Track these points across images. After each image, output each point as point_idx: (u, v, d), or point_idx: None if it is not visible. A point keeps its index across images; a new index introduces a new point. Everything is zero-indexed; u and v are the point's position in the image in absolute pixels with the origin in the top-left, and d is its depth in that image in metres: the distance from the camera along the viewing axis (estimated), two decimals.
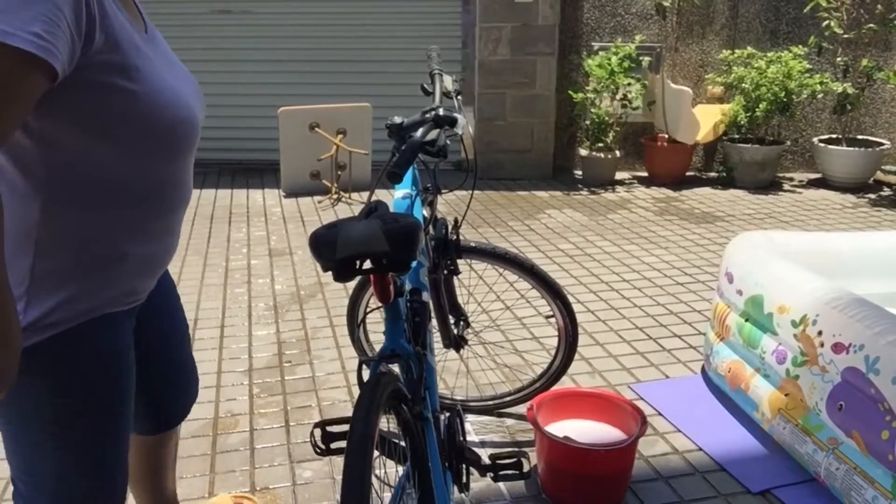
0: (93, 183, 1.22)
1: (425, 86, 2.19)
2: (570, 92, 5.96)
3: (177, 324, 1.66)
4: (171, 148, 1.30)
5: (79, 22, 1.10)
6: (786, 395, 2.41)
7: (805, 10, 5.94)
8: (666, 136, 6.04)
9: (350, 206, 5.30)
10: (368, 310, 2.50)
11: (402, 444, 1.61)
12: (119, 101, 1.19)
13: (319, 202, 5.42)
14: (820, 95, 5.87)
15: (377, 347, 1.86)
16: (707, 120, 5.94)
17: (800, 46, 5.92)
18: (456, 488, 1.88)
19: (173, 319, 1.65)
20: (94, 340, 1.31)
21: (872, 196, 5.79)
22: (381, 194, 1.74)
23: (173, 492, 1.89)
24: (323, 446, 1.62)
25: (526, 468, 1.92)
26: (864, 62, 5.96)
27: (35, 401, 1.29)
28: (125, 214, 1.28)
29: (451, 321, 2.39)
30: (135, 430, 1.63)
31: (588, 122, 6.03)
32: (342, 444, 1.41)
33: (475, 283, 3.67)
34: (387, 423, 1.55)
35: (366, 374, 1.51)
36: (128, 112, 1.21)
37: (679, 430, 2.61)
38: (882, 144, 6.02)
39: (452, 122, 1.88)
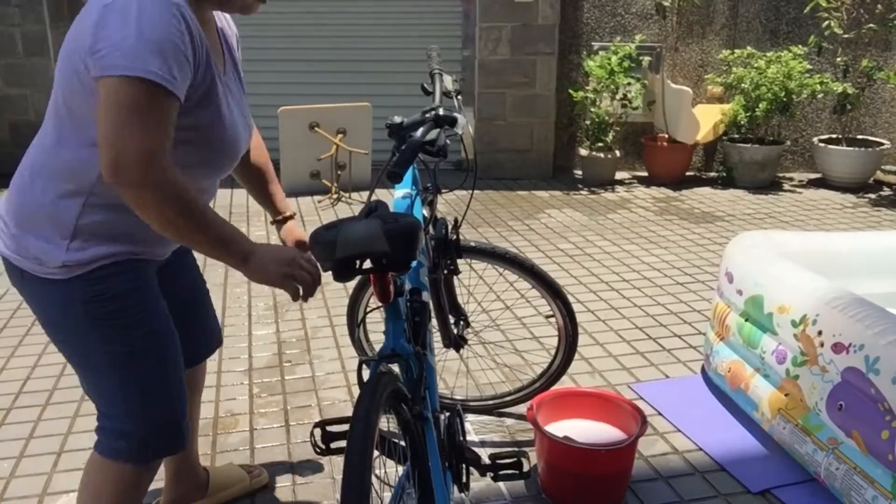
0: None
1: (425, 85, 2.19)
2: (570, 91, 5.96)
3: (197, 276, 1.97)
4: (216, 167, 1.63)
5: (196, 60, 1.45)
6: (786, 394, 2.41)
7: (805, 10, 5.94)
8: (666, 135, 6.04)
9: (350, 206, 5.30)
10: (368, 310, 2.50)
11: (402, 443, 1.61)
12: (190, 124, 1.48)
13: (319, 202, 5.42)
14: (820, 95, 5.87)
15: (377, 347, 1.86)
16: (707, 120, 5.94)
17: (800, 46, 5.92)
18: (456, 488, 1.88)
19: (195, 274, 1.96)
20: (123, 274, 1.56)
21: (872, 196, 5.79)
22: (381, 194, 1.75)
23: (196, 447, 2.17)
24: (323, 446, 1.62)
25: (526, 468, 1.92)
26: (864, 62, 5.96)
27: (85, 334, 1.57)
28: None
29: (451, 321, 2.39)
30: None
31: (588, 122, 6.04)
32: (342, 443, 1.41)
33: (475, 283, 3.67)
34: (387, 423, 1.56)
35: (366, 374, 1.51)
36: (195, 133, 1.51)
37: (679, 430, 2.61)
38: (882, 144, 6.02)
39: (452, 122, 1.88)
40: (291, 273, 1.52)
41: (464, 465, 1.86)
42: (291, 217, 1.96)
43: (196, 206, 1.42)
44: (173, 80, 1.36)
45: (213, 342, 2.03)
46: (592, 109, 5.88)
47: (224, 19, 1.73)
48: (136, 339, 1.58)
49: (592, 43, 6.14)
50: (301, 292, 1.56)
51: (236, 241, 1.49)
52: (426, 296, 1.84)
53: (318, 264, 1.53)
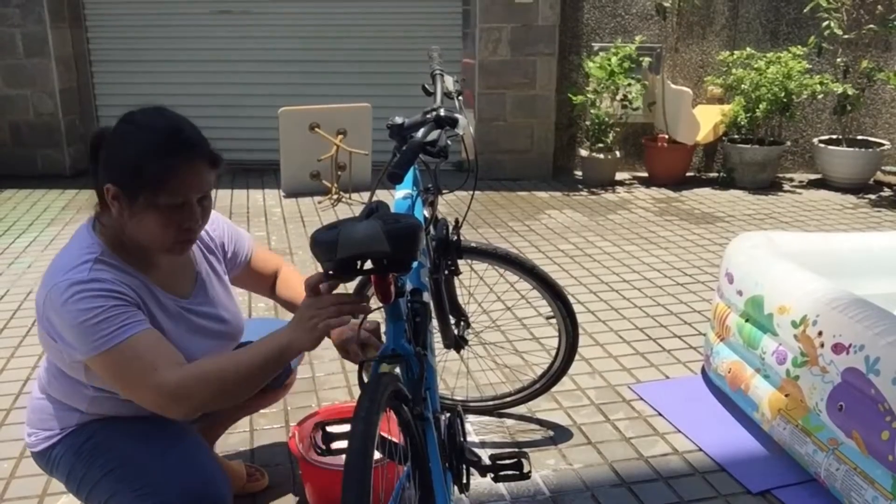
0: (118, 416, 1.71)
1: (426, 86, 2.19)
2: (570, 94, 5.96)
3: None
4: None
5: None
6: (786, 395, 2.41)
7: (805, 11, 5.94)
8: (666, 136, 6.04)
9: (350, 207, 5.30)
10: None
11: (403, 444, 1.61)
12: None
13: (319, 202, 5.42)
14: (820, 96, 5.87)
15: None
16: (707, 120, 5.94)
17: (800, 47, 5.92)
18: (456, 488, 1.88)
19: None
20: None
21: (872, 196, 5.79)
22: (381, 195, 1.74)
23: (216, 438, 2.27)
24: (323, 446, 1.62)
25: (526, 468, 1.92)
26: (864, 63, 5.97)
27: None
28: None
29: (452, 321, 2.39)
30: None
31: (588, 123, 6.04)
32: (342, 444, 1.41)
33: (476, 284, 3.67)
34: (387, 424, 1.55)
35: (366, 375, 1.51)
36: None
37: (679, 431, 2.61)
38: (882, 145, 6.02)
39: (453, 123, 1.88)
40: (313, 317, 1.54)
41: (464, 466, 1.86)
42: None
43: (221, 371, 1.54)
44: (117, 329, 1.52)
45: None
46: (592, 110, 5.88)
47: (209, 236, 1.87)
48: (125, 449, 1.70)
49: (592, 44, 6.14)
50: (352, 343, 1.72)
51: (275, 345, 1.57)
52: (427, 296, 1.84)
53: (320, 265, 1.53)
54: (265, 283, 2.05)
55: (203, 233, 1.80)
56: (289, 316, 1.74)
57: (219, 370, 1.54)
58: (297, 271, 2.08)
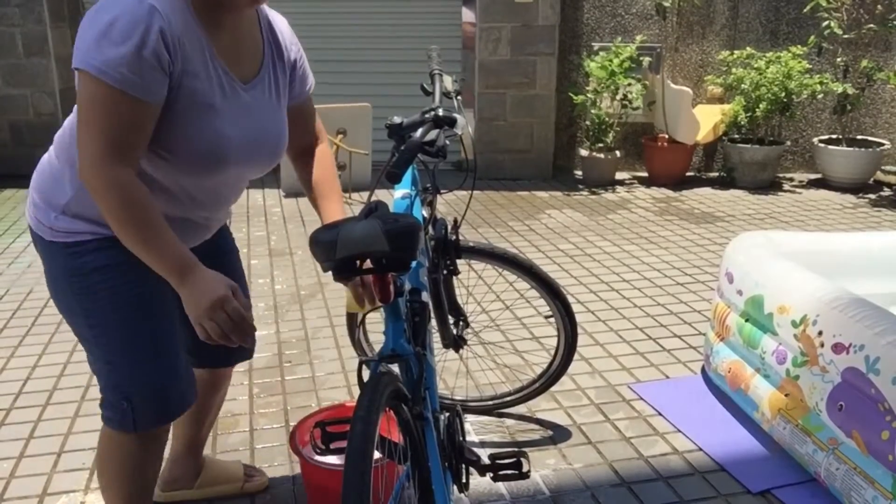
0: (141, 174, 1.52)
1: (425, 86, 2.19)
2: (570, 94, 5.96)
3: (234, 267, 1.96)
4: (203, 174, 1.60)
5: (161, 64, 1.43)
6: (786, 395, 2.41)
7: (805, 11, 5.94)
8: (666, 136, 6.04)
9: (350, 207, 5.30)
10: (368, 309, 2.49)
11: (402, 443, 1.61)
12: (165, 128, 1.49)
13: None
14: (820, 96, 5.87)
15: (377, 347, 1.86)
16: (707, 120, 5.94)
17: (800, 47, 5.92)
18: (456, 488, 1.88)
19: (228, 262, 1.93)
20: (105, 249, 1.59)
21: (872, 196, 5.79)
22: (380, 194, 1.75)
23: (205, 438, 2.21)
24: (323, 446, 1.62)
25: (525, 468, 1.92)
26: (864, 63, 5.96)
27: (72, 302, 1.65)
28: (160, 200, 1.58)
29: (451, 321, 2.39)
30: (194, 365, 1.87)
31: (588, 123, 6.04)
32: (342, 443, 1.41)
33: (474, 283, 3.67)
34: (387, 424, 1.55)
35: (366, 374, 1.51)
36: (182, 138, 1.52)
37: (679, 430, 2.61)
38: (882, 145, 6.02)
39: (452, 123, 1.88)
40: (211, 316, 1.43)
41: (463, 466, 1.86)
42: None
43: (139, 207, 1.43)
44: (126, 77, 1.38)
45: (243, 350, 1.96)
46: (593, 110, 5.88)
47: (278, 27, 1.77)
48: (116, 312, 1.62)
49: (593, 43, 6.14)
50: (222, 334, 1.46)
51: (178, 255, 1.45)
52: (426, 296, 1.84)
53: (319, 264, 1.52)
54: (297, 141, 1.85)
55: (281, 39, 1.76)
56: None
57: (137, 210, 1.44)
58: (333, 168, 1.92)
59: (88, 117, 1.42)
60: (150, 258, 1.46)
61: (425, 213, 2.13)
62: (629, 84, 5.75)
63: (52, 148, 1.67)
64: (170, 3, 1.44)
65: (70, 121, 1.59)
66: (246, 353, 2.04)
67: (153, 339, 1.67)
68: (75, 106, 1.51)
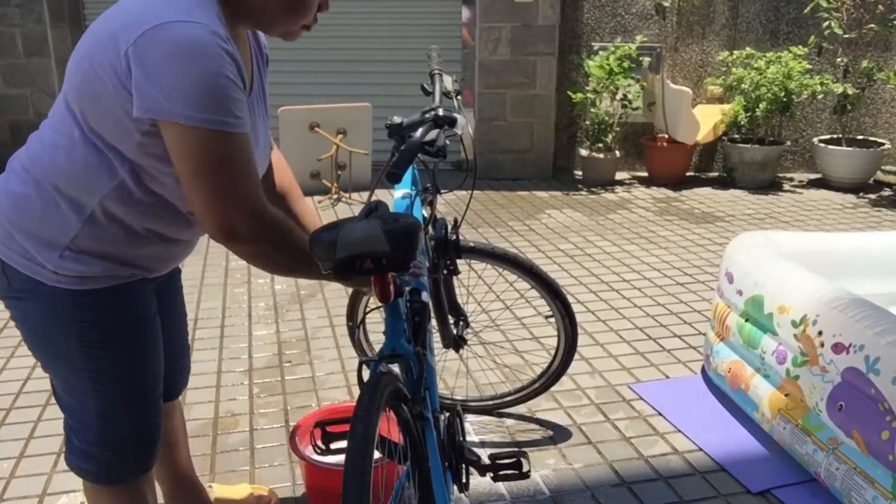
0: (150, 194, 1.45)
1: (425, 86, 2.19)
2: (570, 92, 5.96)
3: (181, 303, 1.88)
4: None
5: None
6: (786, 395, 2.41)
7: (805, 11, 5.94)
8: (666, 136, 6.04)
9: (350, 206, 5.30)
10: (368, 310, 2.50)
11: (402, 443, 1.61)
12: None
13: (319, 202, 5.41)
14: (820, 96, 5.87)
15: (377, 347, 1.86)
16: (707, 120, 5.94)
17: (800, 47, 5.92)
18: (456, 488, 1.88)
19: (177, 300, 1.85)
20: (119, 300, 1.51)
21: (872, 196, 5.79)
22: (380, 194, 1.73)
23: (189, 466, 2.07)
24: (323, 446, 1.62)
25: (525, 468, 1.92)
26: (865, 63, 5.96)
27: (74, 353, 1.50)
28: (162, 223, 1.51)
29: (451, 321, 2.39)
30: None
31: (588, 123, 6.04)
32: (342, 443, 1.41)
33: (475, 283, 3.67)
34: (387, 423, 1.55)
35: (366, 374, 1.51)
36: None
37: (679, 430, 2.61)
38: (882, 144, 6.02)
39: (452, 122, 1.88)
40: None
41: (464, 466, 1.86)
42: None
43: (296, 237, 1.44)
44: (238, 119, 1.32)
45: (180, 381, 1.91)
46: (592, 110, 5.88)
47: (260, 35, 1.63)
48: (127, 361, 1.55)
49: (592, 43, 6.14)
50: None
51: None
52: (426, 296, 1.84)
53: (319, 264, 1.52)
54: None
55: (262, 37, 1.62)
56: None
57: (299, 236, 1.42)
58: (290, 171, 1.89)
59: (222, 177, 1.31)
60: (311, 275, 1.48)
61: (425, 213, 2.13)
62: (629, 84, 5.75)
63: (23, 175, 1.47)
64: (219, 23, 1.34)
65: (48, 142, 1.45)
66: (183, 382, 1.94)
67: (152, 386, 1.61)
68: (46, 123, 1.44)
